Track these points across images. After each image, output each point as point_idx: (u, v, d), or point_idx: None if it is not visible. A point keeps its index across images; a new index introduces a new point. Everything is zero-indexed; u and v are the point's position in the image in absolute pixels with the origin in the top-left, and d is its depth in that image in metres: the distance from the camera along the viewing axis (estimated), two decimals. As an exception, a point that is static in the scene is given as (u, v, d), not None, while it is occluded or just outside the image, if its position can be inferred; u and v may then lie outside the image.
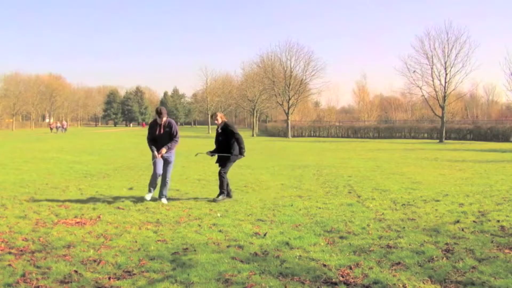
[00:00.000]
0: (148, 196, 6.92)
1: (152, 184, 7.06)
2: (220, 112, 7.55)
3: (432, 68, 36.45)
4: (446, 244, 4.49)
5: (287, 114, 46.92)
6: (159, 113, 6.85)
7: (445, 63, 35.85)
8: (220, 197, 7.11)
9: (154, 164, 7.00)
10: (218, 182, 7.32)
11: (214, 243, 4.55)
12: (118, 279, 3.50)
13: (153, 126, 7.04)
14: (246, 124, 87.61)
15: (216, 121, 7.34)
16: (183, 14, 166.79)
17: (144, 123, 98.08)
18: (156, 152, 6.87)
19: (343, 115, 74.57)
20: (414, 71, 37.10)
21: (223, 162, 7.22)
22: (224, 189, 7.17)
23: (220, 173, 7.17)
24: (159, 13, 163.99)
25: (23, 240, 4.62)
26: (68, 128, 63.13)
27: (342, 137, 46.13)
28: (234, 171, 12.11)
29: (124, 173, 11.34)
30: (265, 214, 6.09)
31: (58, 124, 59.17)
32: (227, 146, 7.16)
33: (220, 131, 7.29)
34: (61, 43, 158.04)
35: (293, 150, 23.80)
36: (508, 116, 55.03)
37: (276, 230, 5.13)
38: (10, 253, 4.14)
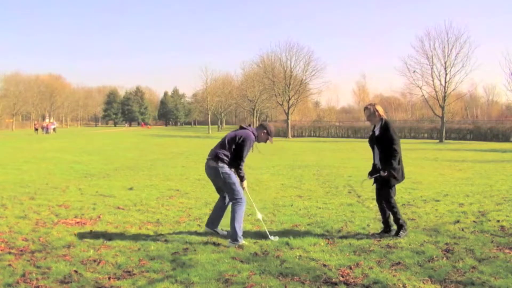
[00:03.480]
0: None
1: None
2: (378, 105, 4.91)
3: (432, 68, 36.43)
4: (446, 244, 4.50)
5: (287, 114, 46.92)
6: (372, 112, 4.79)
7: (445, 63, 35.82)
8: (402, 232, 4.80)
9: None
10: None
11: (214, 243, 4.55)
12: (118, 279, 3.50)
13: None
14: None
15: (369, 120, 4.90)
16: (183, 14, 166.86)
17: (143, 123, 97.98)
18: None
19: (343, 115, 74.53)
20: (414, 71, 37.07)
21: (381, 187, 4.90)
22: (398, 221, 4.86)
23: (382, 202, 4.94)
24: (159, 13, 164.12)
25: (23, 240, 4.62)
26: (64, 128, 58.04)
27: (342, 137, 46.11)
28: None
29: (124, 173, 11.34)
30: (265, 214, 6.09)
31: (44, 124, 52.27)
32: (384, 159, 4.72)
33: (377, 133, 4.81)
34: (61, 43, 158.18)
35: (293, 150, 23.79)
36: (508, 116, 54.96)
37: (276, 230, 5.13)
38: (10, 253, 4.14)
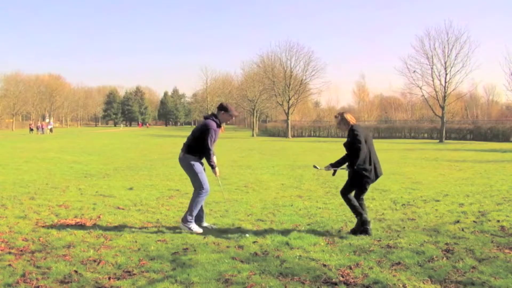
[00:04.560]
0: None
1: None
2: (347, 113, 5.24)
3: (432, 68, 36.49)
4: (446, 244, 4.50)
5: (287, 114, 46.92)
6: None
7: (445, 63, 35.87)
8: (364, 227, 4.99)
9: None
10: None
11: (214, 243, 4.55)
12: (118, 279, 3.50)
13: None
14: (246, 124, 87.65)
15: (339, 128, 5.31)
16: (183, 14, 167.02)
17: (140, 123, 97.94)
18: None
19: (343, 115, 74.33)
20: (414, 71, 37.13)
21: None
22: (358, 214, 5.02)
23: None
24: (159, 13, 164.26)
25: (23, 240, 4.62)
26: (64, 128, 56.12)
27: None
28: (234, 171, 12.13)
29: (124, 173, 11.34)
30: (265, 214, 6.09)
31: (39, 124, 51.56)
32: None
33: (348, 139, 5.14)
34: (61, 43, 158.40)
35: (293, 150, 23.78)
36: (508, 116, 54.97)
37: (276, 230, 5.13)
38: (10, 253, 4.14)
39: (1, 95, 67.74)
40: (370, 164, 4.96)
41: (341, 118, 5.13)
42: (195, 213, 5.09)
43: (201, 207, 5.21)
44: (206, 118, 5.11)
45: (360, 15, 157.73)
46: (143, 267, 3.78)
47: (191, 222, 5.05)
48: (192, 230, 4.99)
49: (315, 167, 5.52)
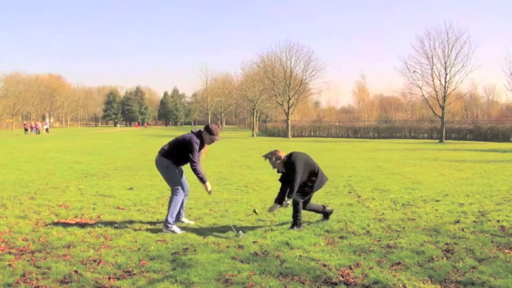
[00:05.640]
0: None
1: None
2: (279, 151, 5.42)
3: (432, 68, 36.44)
4: (446, 244, 4.50)
5: (287, 114, 46.90)
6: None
7: (445, 63, 35.83)
8: (296, 227, 5.21)
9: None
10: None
11: (214, 243, 4.55)
12: (118, 279, 3.50)
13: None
14: (246, 124, 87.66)
15: (275, 168, 5.45)
16: (182, 14, 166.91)
17: (137, 123, 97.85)
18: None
19: (343, 115, 74.64)
20: (414, 71, 37.09)
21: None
22: (296, 218, 5.25)
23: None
24: (158, 13, 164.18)
25: (23, 240, 4.62)
26: (64, 128, 54.61)
27: (342, 137, 46.13)
28: (234, 171, 12.13)
29: (124, 173, 11.34)
30: (265, 214, 6.09)
31: (33, 124, 50.36)
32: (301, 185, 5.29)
33: (285, 171, 5.37)
34: (61, 43, 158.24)
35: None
36: (508, 116, 55.01)
37: (276, 230, 5.13)
38: (10, 253, 4.14)
39: (1, 95, 67.71)
40: (314, 177, 5.37)
41: (275, 158, 5.31)
42: (174, 214, 5.17)
43: (181, 204, 5.35)
44: (192, 132, 5.28)
45: (360, 15, 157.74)
46: (143, 267, 3.78)
47: (172, 225, 5.09)
48: (175, 233, 4.98)
49: (255, 211, 5.69)
